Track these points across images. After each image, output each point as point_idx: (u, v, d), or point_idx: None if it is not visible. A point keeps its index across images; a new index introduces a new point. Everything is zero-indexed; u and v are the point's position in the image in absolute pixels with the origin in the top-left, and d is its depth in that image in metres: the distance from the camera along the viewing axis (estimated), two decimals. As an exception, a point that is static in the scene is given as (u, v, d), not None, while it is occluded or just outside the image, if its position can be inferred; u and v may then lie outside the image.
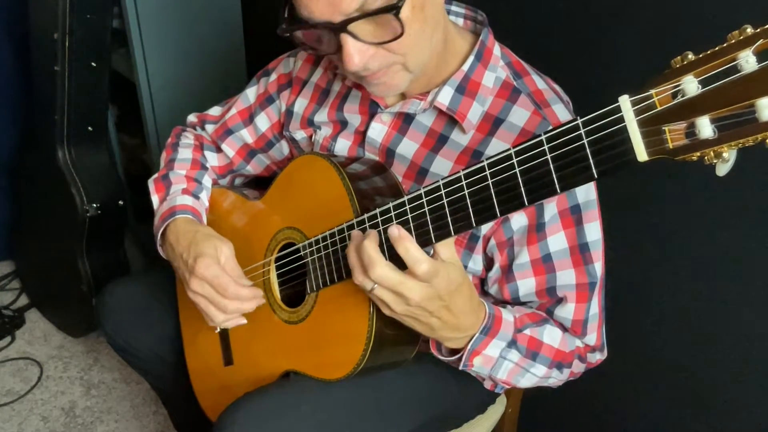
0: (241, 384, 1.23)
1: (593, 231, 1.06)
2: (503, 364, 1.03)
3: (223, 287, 1.09)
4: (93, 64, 2.04)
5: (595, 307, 1.09)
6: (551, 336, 1.07)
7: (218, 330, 1.28)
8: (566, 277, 1.07)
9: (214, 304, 1.10)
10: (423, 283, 0.85)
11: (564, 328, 1.10)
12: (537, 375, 1.07)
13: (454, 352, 1.03)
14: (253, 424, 1.04)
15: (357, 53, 0.93)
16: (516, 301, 1.12)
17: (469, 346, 0.99)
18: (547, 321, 1.09)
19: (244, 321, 1.13)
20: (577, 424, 1.69)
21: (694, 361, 1.37)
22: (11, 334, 2.37)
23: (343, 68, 0.97)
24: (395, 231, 0.84)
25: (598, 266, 1.08)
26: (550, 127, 1.00)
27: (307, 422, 1.06)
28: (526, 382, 1.08)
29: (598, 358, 1.15)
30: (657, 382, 1.44)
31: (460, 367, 1.03)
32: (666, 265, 1.35)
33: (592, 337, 1.11)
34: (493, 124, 1.06)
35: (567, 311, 1.08)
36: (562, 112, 1.05)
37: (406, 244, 0.83)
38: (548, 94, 1.08)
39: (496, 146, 1.05)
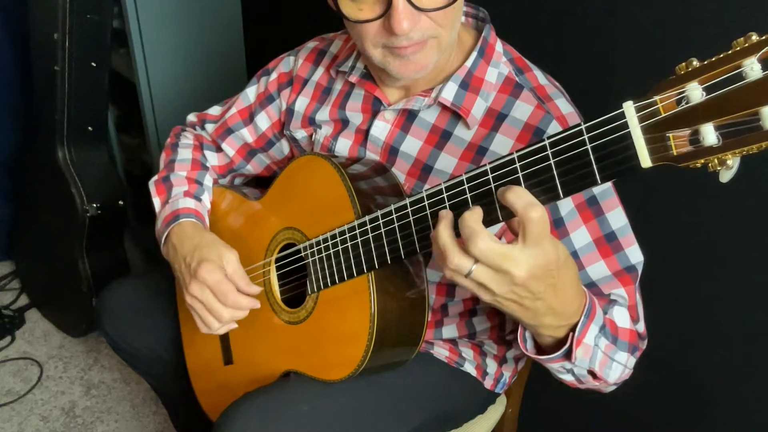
0: (241, 383, 1.23)
1: (617, 218, 1.02)
2: (597, 354, 0.92)
3: (223, 293, 1.09)
4: (93, 64, 2.04)
5: (639, 293, 1.04)
6: (622, 316, 0.98)
7: (216, 331, 1.28)
8: (598, 270, 1.02)
9: (210, 310, 1.10)
10: (530, 251, 0.74)
11: None
12: (621, 363, 0.97)
13: (540, 350, 0.95)
14: (253, 424, 1.04)
15: (408, 17, 0.94)
16: None
17: (576, 333, 0.87)
18: (615, 302, 1.01)
19: (236, 326, 1.13)
20: (577, 424, 1.69)
21: (695, 361, 1.37)
22: (11, 334, 2.37)
23: (370, 40, 0.99)
24: (503, 188, 0.75)
25: (633, 250, 1.02)
26: (554, 123, 1.02)
27: (307, 422, 1.06)
28: (613, 374, 0.97)
29: (641, 348, 1.05)
30: (657, 381, 1.44)
31: (557, 366, 0.93)
32: (666, 265, 1.35)
33: (642, 323, 1.04)
34: (496, 119, 1.07)
35: (621, 297, 1.02)
36: (564, 106, 1.06)
37: (517, 189, 0.72)
38: (550, 89, 1.08)
39: (500, 141, 1.05)
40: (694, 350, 1.37)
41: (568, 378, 0.97)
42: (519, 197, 0.72)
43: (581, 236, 1.02)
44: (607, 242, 1.02)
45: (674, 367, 1.41)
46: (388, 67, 1.03)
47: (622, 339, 0.97)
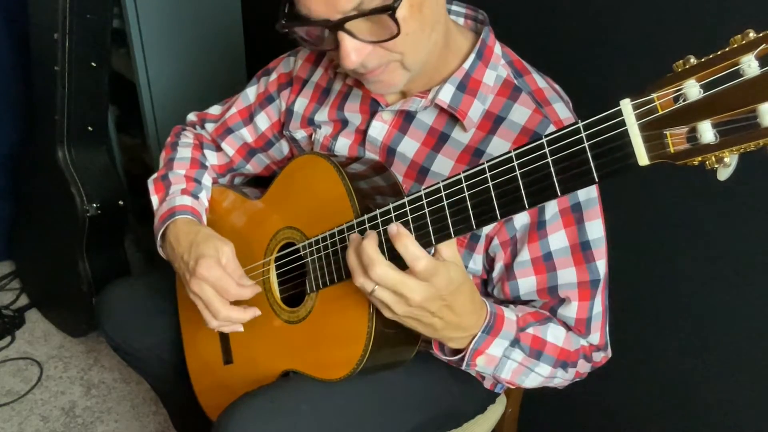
0: (241, 383, 1.23)
1: (595, 229, 1.05)
2: (507, 364, 1.02)
3: (224, 289, 1.09)
4: (93, 64, 2.04)
5: (599, 305, 1.09)
6: (555, 335, 1.06)
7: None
8: (567, 275, 1.06)
9: (208, 307, 1.10)
10: (423, 282, 0.84)
11: (568, 327, 1.09)
12: (542, 375, 1.06)
13: (456, 352, 1.02)
14: (253, 423, 1.04)
15: (354, 51, 0.94)
16: (517, 300, 1.11)
17: (471, 345, 0.97)
18: (551, 320, 1.08)
19: (241, 329, 1.13)
20: (577, 424, 1.69)
21: (695, 361, 1.37)
22: (11, 334, 2.38)
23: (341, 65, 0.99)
24: (393, 228, 0.83)
25: (601, 264, 1.07)
26: (551, 128, 1.02)
27: (307, 422, 1.06)
28: (531, 382, 1.07)
29: (603, 356, 1.14)
30: (657, 382, 1.44)
31: (463, 367, 1.02)
32: (666, 265, 1.35)
33: (596, 336, 1.10)
34: (494, 122, 1.06)
35: (570, 310, 1.07)
36: (562, 111, 1.06)
37: (405, 241, 0.82)
38: (548, 93, 1.08)
39: (498, 144, 1.05)
40: (693, 352, 1.37)
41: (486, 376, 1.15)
42: (406, 250, 0.83)
43: (559, 239, 1.05)
44: (581, 251, 1.06)
45: (673, 367, 1.41)
46: (365, 86, 1.07)
47: (548, 354, 1.05)
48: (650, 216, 1.34)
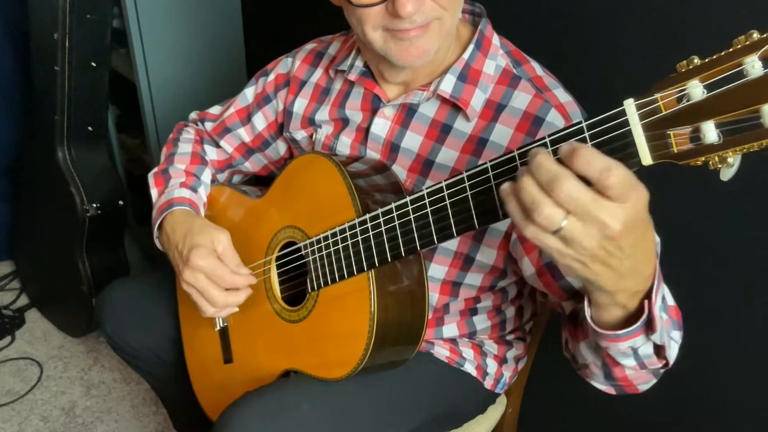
0: (241, 383, 1.23)
1: None
2: (665, 330, 0.84)
3: (219, 277, 1.10)
4: (93, 64, 2.04)
5: None
6: (667, 290, 0.91)
7: (218, 328, 1.28)
8: None
9: (205, 296, 1.11)
10: (621, 204, 0.64)
11: None
12: (677, 341, 0.90)
13: (610, 325, 0.82)
14: (253, 423, 1.04)
15: (411, 0, 0.94)
16: (578, 295, 0.99)
17: (656, 299, 0.78)
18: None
19: (236, 309, 1.14)
20: (577, 424, 1.69)
21: (696, 361, 1.37)
22: (11, 334, 2.38)
23: (371, 23, 0.99)
24: (566, 147, 0.65)
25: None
26: (553, 112, 1.02)
27: (307, 422, 1.06)
28: (672, 352, 0.90)
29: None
30: (658, 382, 1.44)
31: (628, 343, 0.82)
32: (667, 265, 1.35)
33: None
34: (495, 110, 1.07)
35: None
36: (562, 95, 1.07)
37: (586, 154, 0.63)
38: (548, 80, 1.09)
39: (500, 132, 1.05)
40: (695, 352, 1.37)
41: (629, 362, 0.88)
42: (589, 164, 0.63)
43: None
44: None
45: (675, 367, 1.41)
46: (389, 53, 1.02)
47: (672, 316, 0.90)
48: (652, 215, 1.34)
